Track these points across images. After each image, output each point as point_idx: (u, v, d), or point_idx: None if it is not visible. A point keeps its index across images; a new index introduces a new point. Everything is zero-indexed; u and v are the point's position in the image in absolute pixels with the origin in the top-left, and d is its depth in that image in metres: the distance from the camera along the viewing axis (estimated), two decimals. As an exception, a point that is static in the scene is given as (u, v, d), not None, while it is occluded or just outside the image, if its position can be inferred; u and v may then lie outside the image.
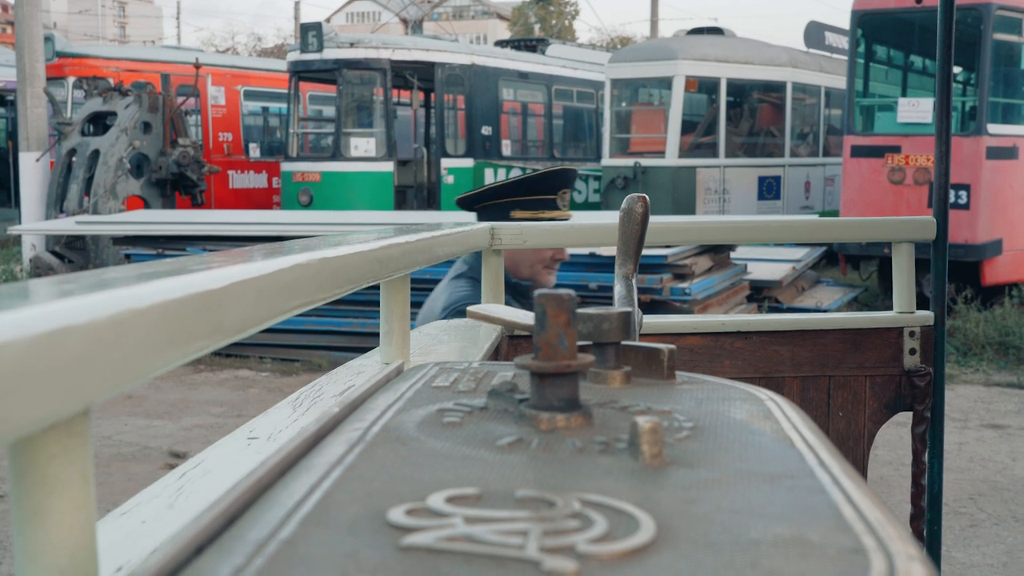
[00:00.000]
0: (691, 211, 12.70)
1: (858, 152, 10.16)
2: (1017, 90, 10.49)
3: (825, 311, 8.52)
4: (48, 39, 13.84)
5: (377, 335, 1.20)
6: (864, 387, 1.90)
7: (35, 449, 0.42)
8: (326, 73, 13.33)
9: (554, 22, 47.60)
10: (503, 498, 0.47)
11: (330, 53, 12.96)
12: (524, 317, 0.97)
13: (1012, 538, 4.31)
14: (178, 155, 11.78)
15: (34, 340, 0.38)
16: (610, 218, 2.22)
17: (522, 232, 1.77)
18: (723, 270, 8.31)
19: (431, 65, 13.60)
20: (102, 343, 0.42)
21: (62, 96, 13.83)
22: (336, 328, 7.71)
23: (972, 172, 9.32)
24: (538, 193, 2.58)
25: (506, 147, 14.91)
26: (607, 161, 13.36)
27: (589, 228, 2.10)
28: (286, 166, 13.29)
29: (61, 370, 0.39)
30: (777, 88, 14.00)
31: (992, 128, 9.73)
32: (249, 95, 16.50)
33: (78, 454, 0.43)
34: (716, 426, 0.63)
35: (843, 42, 13.98)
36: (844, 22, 11.27)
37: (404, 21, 38.19)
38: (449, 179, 13.75)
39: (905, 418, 1.94)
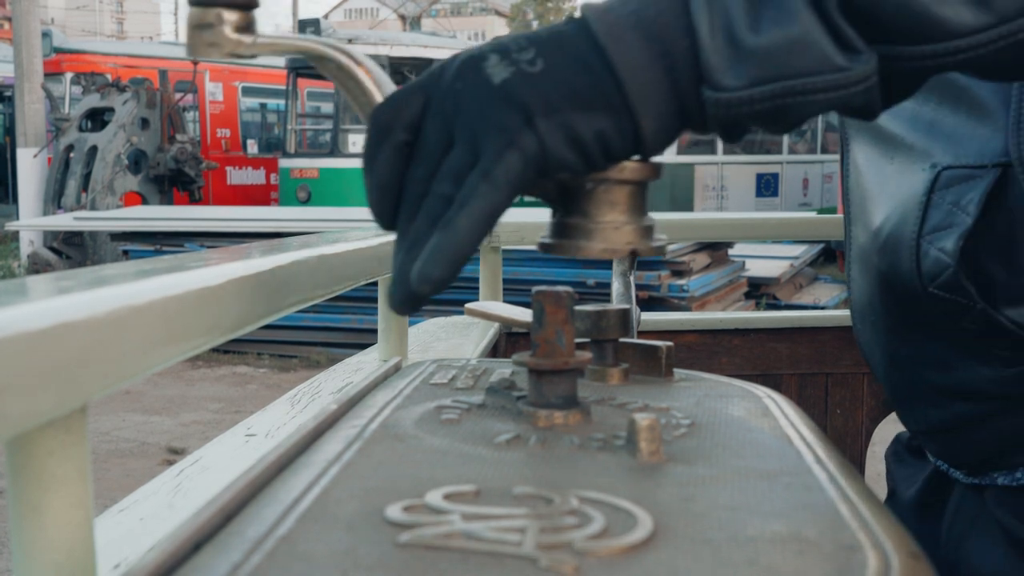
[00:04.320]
0: (689, 208, 12.70)
1: (856, 149, 10.15)
2: (1015, 87, 10.48)
3: (823, 308, 8.53)
4: (46, 35, 13.81)
5: (375, 331, 1.20)
6: (862, 384, 1.90)
7: (33, 446, 0.42)
8: (324, 69, 13.31)
9: (552, 18, 47.58)
10: (501, 495, 0.47)
11: (328, 49, 12.94)
12: (522, 314, 0.97)
13: (1009, 535, 4.31)
14: (176, 151, 11.77)
15: (32, 337, 0.38)
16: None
17: (520, 230, 1.77)
18: (721, 267, 8.31)
19: (429, 62, 13.59)
20: (100, 340, 0.42)
21: (60, 92, 13.79)
22: (334, 324, 7.71)
23: (970, 169, 9.32)
24: None
25: (504, 144, 14.89)
26: (605, 158, 13.34)
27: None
28: (284, 162, 13.27)
29: (59, 367, 0.39)
30: (775, 85, 13.99)
31: (990, 125, 9.72)
32: (247, 91, 16.46)
33: (76, 451, 0.43)
34: (714, 423, 0.63)
35: (841, 39, 13.95)
36: (842, 19, 11.26)
37: (402, 17, 38.16)
38: (447, 176, 13.72)
39: (903, 415, 1.94)
